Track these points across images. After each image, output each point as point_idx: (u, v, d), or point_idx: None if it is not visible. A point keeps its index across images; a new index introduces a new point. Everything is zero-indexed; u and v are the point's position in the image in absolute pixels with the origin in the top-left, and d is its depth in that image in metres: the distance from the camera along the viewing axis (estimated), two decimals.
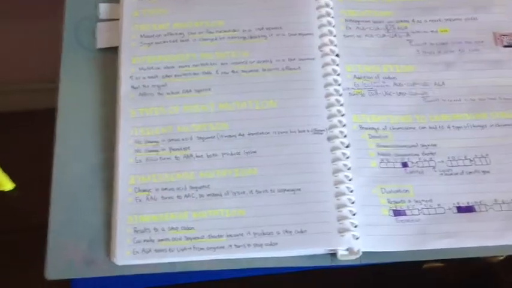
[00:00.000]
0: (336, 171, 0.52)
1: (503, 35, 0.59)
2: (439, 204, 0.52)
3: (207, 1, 0.59)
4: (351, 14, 0.60)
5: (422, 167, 0.53)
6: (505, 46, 0.59)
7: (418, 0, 0.61)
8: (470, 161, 0.54)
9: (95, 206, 0.52)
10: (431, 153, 0.54)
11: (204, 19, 0.58)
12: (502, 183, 0.53)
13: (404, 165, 0.54)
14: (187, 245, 0.50)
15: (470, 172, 0.53)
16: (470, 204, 0.52)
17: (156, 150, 0.53)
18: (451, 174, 0.53)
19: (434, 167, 0.53)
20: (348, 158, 0.53)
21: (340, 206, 0.51)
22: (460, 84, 0.57)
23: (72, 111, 0.56)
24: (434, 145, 0.54)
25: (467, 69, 0.57)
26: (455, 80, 0.57)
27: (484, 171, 0.53)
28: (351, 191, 0.52)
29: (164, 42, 0.57)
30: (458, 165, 0.53)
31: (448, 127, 0.55)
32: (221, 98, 0.55)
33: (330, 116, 0.54)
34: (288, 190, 0.52)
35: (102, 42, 0.58)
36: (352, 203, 0.52)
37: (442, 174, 0.53)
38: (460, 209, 0.52)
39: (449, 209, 0.52)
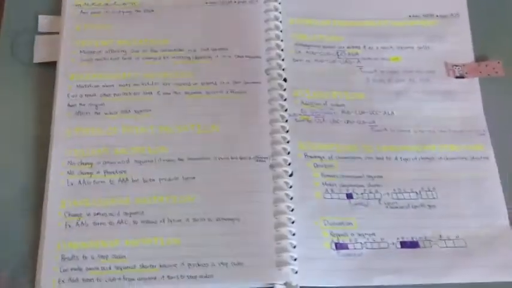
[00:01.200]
0: (277, 201, 0.50)
1: (455, 66, 0.58)
2: (382, 239, 0.50)
3: (154, 18, 0.57)
4: (302, 38, 0.58)
5: (368, 199, 0.52)
6: (457, 77, 0.58)
7: (370, 26, 0.59)
8: (417, 194, 0.52)
9: (23, 231, 0.49)
10: (377, 185, 0.52)
11: (150, 37, 0.56)
12: (447, 218, 0.51)
13: (349, 196, 0.52)
14: (116, 275, 0.47)
15: (416, 206, 0.52)
16: (415, 240, 0.50)
17: (90, 173, 0.51)
18: (396, 207, 0.51)
19: (379, 200, 0.52)
20: (291, 187, 0.51)
21: (279, 238, 0.49)
22: (409, 115, 0.55)
23: (4, 129, 0.53)
24: (381, 177, 0.53)
25: (417, 100, 0.56)
26: (404, 109, 0.56)
27: (430, 206, 0.52)
28: (292, 222, 0.50)
29: (105, 59, 0.55)
30: (404, 199, 0.52)
31: (396, 158, 0.53)
32: (162, 120, 0.53)
33: (274, 143, 0.52)
34: (226, 219, 0.49)
35: (39, 56, 0.56)
36: (293, 234, 0.50)
37: (387, 207, 0.51)
38: (404, 244, 0.50)
39: (393, 243, 0.50)
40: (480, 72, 0.58)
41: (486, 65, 0.58)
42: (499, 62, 0.58)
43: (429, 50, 0.59)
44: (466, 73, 0.58)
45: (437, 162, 0.53)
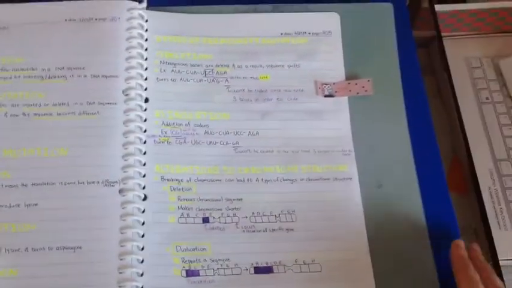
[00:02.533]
0: (124, 227, 0.48)
1: (325, 84, 0.57)
2: (236, 264, 0.48)
3: (8, 36, 0.55)
4: (168, 56, 0.56)
5: (225, 223, 0.50)
6: (326, 96, 0.56)
7: (241, 44, 0.58)
8: (276, 217, 0.51)
9: None
10: (236, 208, 0.51)
11: (1, 55, 0.54)
12: (304, 241, 0.50)
13: (205, 220, 0.50)
14: None
15: (274, 229, 0.50)
16: (269, 265, 0.49)
17: None
18: (253, 231, 0.50)
19: (237, 223, 0.50)
20: (143, 212, 0.49)
21: (123, 267, 0.47)
22: (274, 135, 0.54)
23: None
24: (240, 199, 0.51)
25: (283, 119, 0.55)
26: (270, 130, 0.54)
27: (288, 229, 0.50)
28: (142, 249, 0.48)
29: None
30: (263, 222, 0.50)
31: (257, 180, 0.52)
32: (7, 143, 0.50)
33: (126, 167, 0.50)
34: (67, 248, 0.47)
35: None
36: (142, 262, 0.47)
37: (244, 231, 0.50)
38: (258, 270, 0.48)
39: (246, 269, 0.48)
40: (350, 90, 0.57)
41: (356, 84, 0.57)
42: (368, 80, 0.57)
43: (299, 69, 0.57)
44: (336, 92, 0.57)
45: (299, 183, 0.52)
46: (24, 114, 0.51)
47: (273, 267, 0.49)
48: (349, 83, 0.57)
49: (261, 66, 0.57)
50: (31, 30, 0.55)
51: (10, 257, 0.46)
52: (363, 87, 0.57)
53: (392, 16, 0.60)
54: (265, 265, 0.49)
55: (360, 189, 0.52)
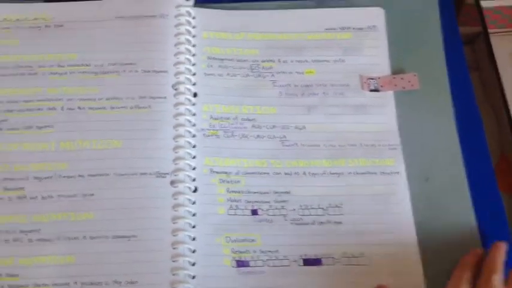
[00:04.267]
0: (176, 218, 0.49)
1: (370, 79, 0.57)
2: (285, 256, 0.49)
3: (63, 33, 0.57)
4: (215, 52, 0.57)
5: (273, 215, 0.51)
6: (371, 90, 0.57)
7: (286, 39, 0.59)
8: (323, 210, 0.51)
9: None
10: (284, 201, 0.51)
11: (57, 52, 0.56)
12: (352, 235, 0.50)
13: (254, 212, 0.51)
14: None
15: (322, 222, 0.51)
16: (318, 257, 0.49)
17: None
18: (301, 223, 0.51)
19: (285, 216, 0.51)
20: (194, 203, 0.50)
21: (176, 256, 0.48)
22: (321, 129, 0.55)
23: None
24: (288, 192, 0.52)
25: (329, 114, 0.55)
26: (316, 124, 0.55)
27: (336, 222, 0.51)
28: (193, 239, 0.49)
29: (11, 75, 0.54)
30: (311, 215, 0.51)
31: (304, 173, 0.53)
32: (63, 136, 0.52)
33: (177, 159, 0.51)
34: (122, 237, 0.48)
35: None
36: (193, 251, 0.49)
37: (292, 223, 0.51)
38: (307, 262, 0.49)
39: (295, 261, 0.49)
40: (395, 85, 0.57)
41: (402, 78, 0.57)
42: (415, 75, 0.57)
43: (345, 63, 0.58)
44: (381, 86, 0.57)
45: (346, 177, 0.53)
46: (79, 108, 0.53)
47: (322, 259, 0.49)
48: (394, 78, 0.58)
49: (306, 61, 0.58)
50: (84, 27, 0.57)
51: (68, 245, 0.48)
52: (409, 81, 0.57)
53: (437, 10, 0.60)
54: (314, 257, 0.49)
55: (408, 182, 0.52)
